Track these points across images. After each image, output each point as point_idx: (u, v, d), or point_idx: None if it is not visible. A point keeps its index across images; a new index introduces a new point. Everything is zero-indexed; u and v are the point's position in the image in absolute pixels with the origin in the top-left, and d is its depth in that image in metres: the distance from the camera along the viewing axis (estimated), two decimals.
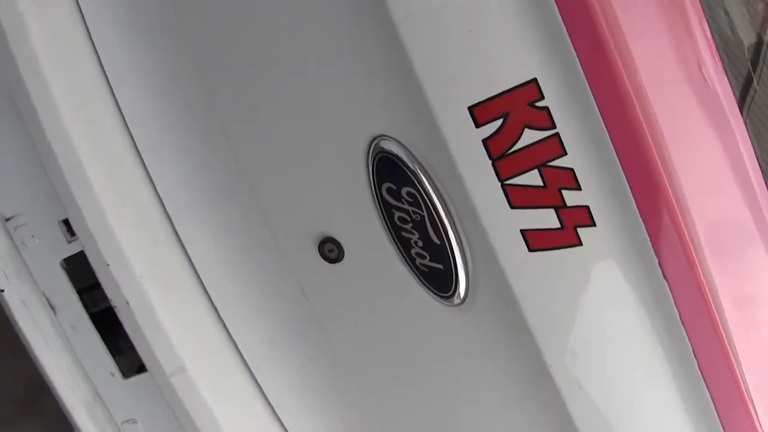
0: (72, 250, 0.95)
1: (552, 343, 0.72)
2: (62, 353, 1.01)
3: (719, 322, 0.68)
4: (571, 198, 0.62)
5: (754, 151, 0.77)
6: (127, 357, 1.00)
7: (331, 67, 0.69)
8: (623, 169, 0.62)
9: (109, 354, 0.99)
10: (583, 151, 0.62)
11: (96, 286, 0.97)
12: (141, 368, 1.00)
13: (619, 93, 0.61)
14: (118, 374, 0.99)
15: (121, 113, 0.84)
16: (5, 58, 0.81)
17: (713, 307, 0.68)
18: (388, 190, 0.67)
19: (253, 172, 0.78)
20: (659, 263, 0.65)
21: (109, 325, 0.99)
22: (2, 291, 0.99)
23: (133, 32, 0.80)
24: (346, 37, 0.67)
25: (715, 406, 0.75)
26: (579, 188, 0.62)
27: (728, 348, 0.70)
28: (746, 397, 0.74)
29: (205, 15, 0.78)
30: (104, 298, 0.97)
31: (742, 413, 0.76)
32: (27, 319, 1.00)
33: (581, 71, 0.60)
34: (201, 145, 0.81)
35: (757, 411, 0.77)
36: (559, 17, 0.60)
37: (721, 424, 0.76)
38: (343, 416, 0.89)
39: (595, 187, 0.62)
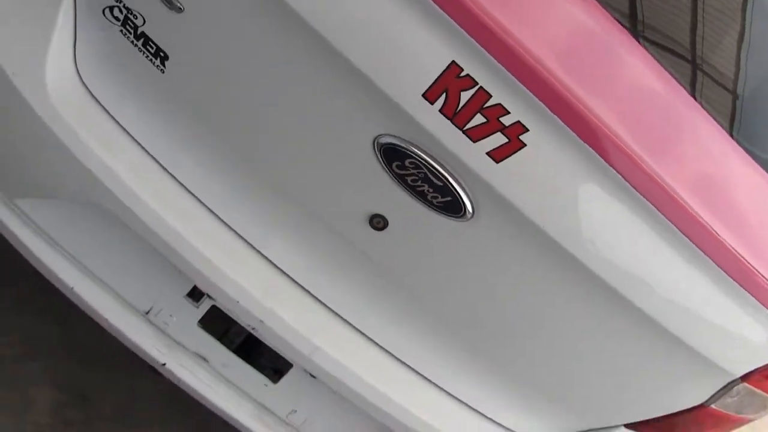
0: (202, 311, 1.28)
1: (555, 223, 1.04)
2: (224, 388, 1.34)
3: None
4: (506, 120, 0.96)
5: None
6: (270, 368, 1.34)
7: (330, 102, 1.03)
8: (530, 90, 0.96)
9: (257, 371, 1.32)
10: (501, 89, 0.95)
11: (227, 330, 1.32)
12: (281, 372, 1.34)
13: (503, 45, 0.94)
14: (269, 383, 1.32)
15: (195, 196, 1.19)
16: (110, 197, 1.15)
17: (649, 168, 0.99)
18: (397, 166, 1.02)
19: (312, 194, 1.13)
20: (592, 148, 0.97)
21: (248, 352, 1.33)
22: (164, 365, 1.33)
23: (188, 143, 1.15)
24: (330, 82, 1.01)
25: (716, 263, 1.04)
26: (508, 112, 0.96)
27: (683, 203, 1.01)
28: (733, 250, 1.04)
29: (228, 117, 1.13)
30: (238, 334, 1.31)
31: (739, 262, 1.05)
32: (189, 376, 1.32)
33: (476, 43, 0.94)
34: (262, 187, 1.16)
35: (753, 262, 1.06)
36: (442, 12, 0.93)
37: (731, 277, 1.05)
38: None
39: (518, 106, 0.96)
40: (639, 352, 1.18)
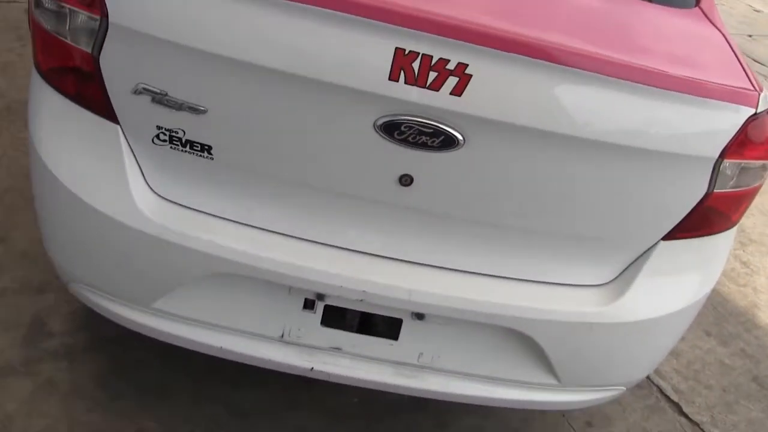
0: (319, 314, 1.62)
1: (523, 115, 1.35)
2: (363, 364, 1.68)
3: None
4: (450, 66, 1.29)
5: None
6: (387, 331, 1.66)
7: (333, 115, 1.40)
8: (455, 38, 1.30)
9: (379, 338, 1.66)
10: (436, 49, 1.29)
11: (343, 319, 1.66)
12: (397, 329, 1.66)
13: (424, 21, 1.30)
14: (392, 342, 1.66)
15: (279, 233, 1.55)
16: (225, 264, 1.52)
17: None
18: (397, 134, 1.37)
19: (353, 184, 1.49)
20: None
21: (366, 328, 1.67)
22: (312, 368, 1.68)
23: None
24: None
25: None
26: (449, 60, 1.30)
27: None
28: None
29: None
30: (353, 317, 1.65)
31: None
32: (334, 368, 1.67)
33: (406, 28, 1.30)
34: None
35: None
36: None
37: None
38: None
39: (453, 54, 1.29)
40: (639, 177, 1.50)
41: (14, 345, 2.10)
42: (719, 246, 1.72)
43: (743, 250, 3.66)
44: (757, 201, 4.18)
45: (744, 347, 2.95)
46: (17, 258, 2.38)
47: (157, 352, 2.12)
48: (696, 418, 2.52)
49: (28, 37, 1.74)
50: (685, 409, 2.54)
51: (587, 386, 1.74)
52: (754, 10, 9.87)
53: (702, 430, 2.48)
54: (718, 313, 3.11)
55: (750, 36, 8.32)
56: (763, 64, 7.18)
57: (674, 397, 2.57)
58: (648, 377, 2.60)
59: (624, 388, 1.83)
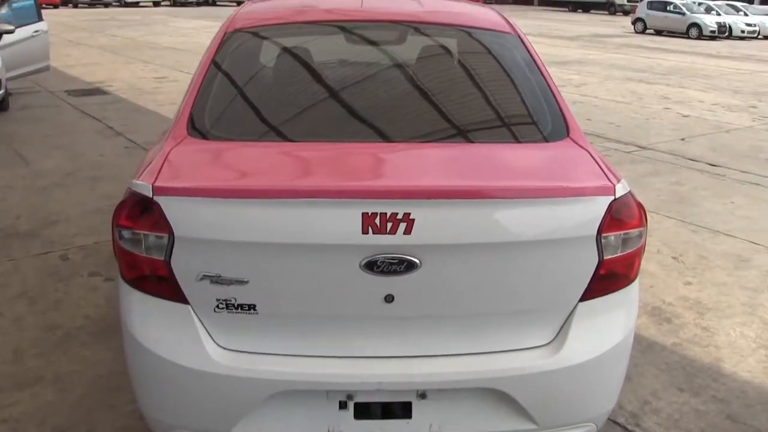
0: (351, 411, 2.20)
1: (455, 236, 2.10)
2: None
3: None
4: (399, 216, 2.02)
5: None
6: (402, 413, 2.23)
7: (332, 263, 2.09)
8: (398, 198, 2.05)
9: (398, 419, 2.23)
10: (386, 207, 2.04)
11: (369, 409, 2.25)
12: (409, 410, 2.25)
13: (368, 191, 2.05)
14: (408, 420, 2.23)
15: (321, 355, 2.20)
16: (285, 384, 2.15)
17: None
18: (376, 267, 2.04)
19: (357, 304, 2.16)
20: None
21: (388, 413, 2.24)
22: None
23: None
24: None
25: None
26: (397, 213, 2.03)
27: None
28: None
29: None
30: (376, 407, 2.24)
31: None
32: None
33: (361, 199, 2.04)
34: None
35: None
36: None
37: None
38: None
39: (399, 208, 2.04)
40: (548, 260, 2.16)
41: None
42: (629, 296, 2.36)
43: (702, 318, 4.26)
44: (709, 276, 4.85)
45: (714, 394, 3.48)
46: None
47: None
48: None
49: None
50: None
51: (560, 425, 2.30)
52: (683, 116, 11.03)
53: None
54: (687, 372, 3.66)
55: (683, 139, 9.35)
56: (698, 161, 8.09)
57: None
58: None
59: (594, 425, 2.39)
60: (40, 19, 10.08)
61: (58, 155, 7.31)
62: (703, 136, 9.53)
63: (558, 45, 22.70)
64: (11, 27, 8.87)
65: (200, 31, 23.20)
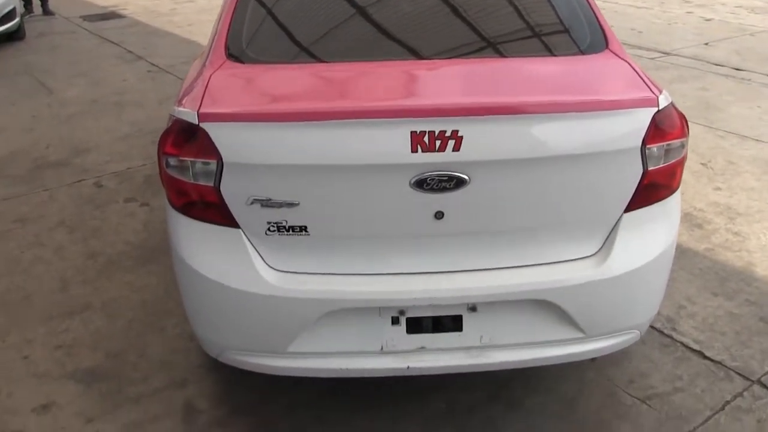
0: (404, 326, 2.26)
1: (506, 150, 2.10)
2: (444, 355, 2.31)
3: None
4: (447, 133, 2.03)
5: None
6: (453, 326, 2.29)
7: (382, 183, 2.11)
8: (448, 115, 2.04)
9: (450, 332, 2.28)
10: (436, 125, 2.03)
11: (421, 324, 2.30)
12: (460, 322, 2.31)
13: (419, 110, 2.04)
14: (459, 333, 2.30)
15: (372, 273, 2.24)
16: (338, 302, 2.21)
17: None
18: (426, 185, 2.05)
19: (407, 224, 2.19)
20: None
21: (439, 327, 2.30)
22: (408, 367, 2.32)
23: None
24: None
25: None
26: (445, 131, 2.03)
27: None
28: None
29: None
30: (428, 322, 2.30)
31: None
32: (423, 363, 2.30)
33: (412, 118, 2.04)
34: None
35: None
36: None
37: None
38: None
39: (448, 126, 2.03)
40: (595, 173, 2.17)
41: (176, 428, 2.74)
42: (672, 206, 2.38)
43: (733, 224, 4.27)
44: (738, 181, 4.84)
45: (748, 297, 3.53)
46: (157, 366, 3.06)
47: (288, 405, 2.77)
48: (717, 358, 3.09)
49: None
50: (707, 354, 3.11)
51: (607, 333, 2.36)
52: (705, 20, 10.72)
53: (724, 366, 3.04)
54: (720, 277, 3.70)
55: (707, 44, 9.13)
56: (722, 65, 7.92)
57: (696, 347, 3.15)
58: (671, 336, 3.19)
59: (638, 331, 2.45)
60: None
61: (80, 82, 7.24)
62: (727, 39, 9.28)
63: None
64: None
65: None
